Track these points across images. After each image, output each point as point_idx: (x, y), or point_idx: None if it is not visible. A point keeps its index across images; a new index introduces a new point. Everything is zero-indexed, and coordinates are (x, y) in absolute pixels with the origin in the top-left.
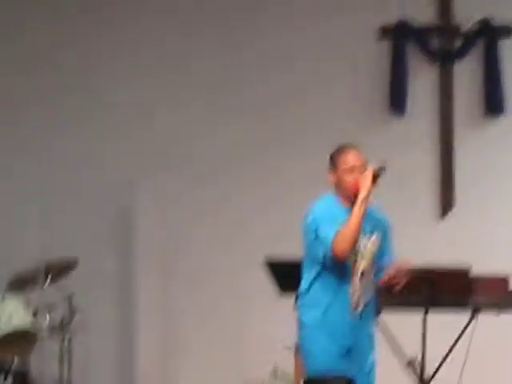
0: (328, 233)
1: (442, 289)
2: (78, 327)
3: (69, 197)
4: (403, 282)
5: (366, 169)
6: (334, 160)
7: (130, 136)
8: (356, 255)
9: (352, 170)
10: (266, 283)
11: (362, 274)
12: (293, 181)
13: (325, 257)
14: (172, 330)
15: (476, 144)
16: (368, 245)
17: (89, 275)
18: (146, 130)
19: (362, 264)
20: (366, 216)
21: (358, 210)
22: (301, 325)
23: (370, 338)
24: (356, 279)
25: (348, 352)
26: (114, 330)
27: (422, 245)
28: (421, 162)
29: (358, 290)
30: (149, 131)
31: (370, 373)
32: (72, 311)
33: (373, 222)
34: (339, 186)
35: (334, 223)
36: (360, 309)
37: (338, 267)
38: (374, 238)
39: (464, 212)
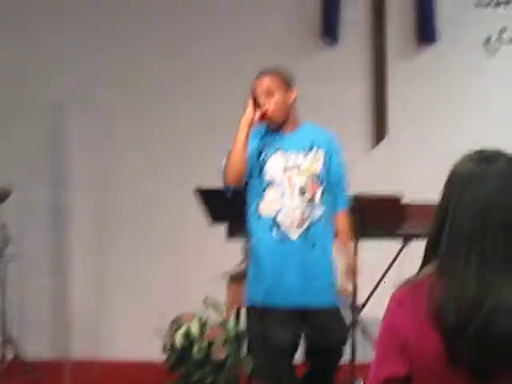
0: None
1: (374, 217)
2: (12, 257)
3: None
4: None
5: (272, 93)
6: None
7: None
8: (290, 172)
9: (259, 96)
10: (197, 211)
11: (301, 191)
12: (226, 104)
13: (224, 183)
14: (106, 258)
15: (409, 72)
16: (304, 161)
17: (22, 204)
18: (77, 51)
19: (299, 180)
20: (303, 133)
21: (236, 136)
22: None
23: (318, 270)
24: (294, 196)
25: (277, 279)
26: (47, 259)
27: (355, 174)
28: (353, 91)
29: (296, 208)
30: (81, 52)
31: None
32: (5, 240)
33: (312, 139)
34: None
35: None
36: (303, 228)
37: (271, 188)
38: (312, 154)
39: (396, 141)
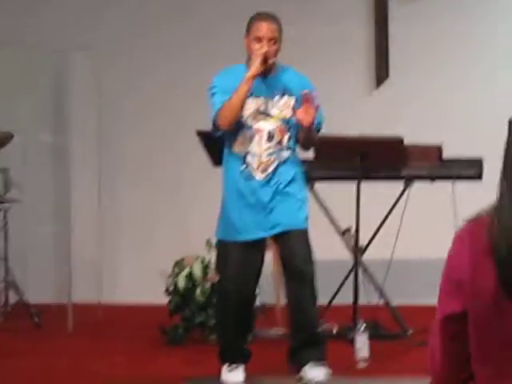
0: (216, 103)
1: (376, 159)
2: (14, 200)
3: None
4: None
5: (276, 42)
6: (248, 25)
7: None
8: (261, 117)
9: (260, 39)
10: (199, 154)
11: (270, 136)
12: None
13: (214, 125)
14: (108, 202)
15: (411, 12)
16: (274, 107)
17: (24, 149)
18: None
19: (268, 126)
20: (276, 78)
21: (241, 87)
22: None
23: (282, 199)
24: (262, 141)
25: (245, 214)
26: (50, 203)
27: (356, 115)
28: (355, 32)
29: (264, 151)
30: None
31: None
32: (7, 185)
33: (284, 85)
34: (249, 53)
35: (228, 92)
36: (268, 171)
37: (241, 131)
38: (283, 100)
39: (398, 82)
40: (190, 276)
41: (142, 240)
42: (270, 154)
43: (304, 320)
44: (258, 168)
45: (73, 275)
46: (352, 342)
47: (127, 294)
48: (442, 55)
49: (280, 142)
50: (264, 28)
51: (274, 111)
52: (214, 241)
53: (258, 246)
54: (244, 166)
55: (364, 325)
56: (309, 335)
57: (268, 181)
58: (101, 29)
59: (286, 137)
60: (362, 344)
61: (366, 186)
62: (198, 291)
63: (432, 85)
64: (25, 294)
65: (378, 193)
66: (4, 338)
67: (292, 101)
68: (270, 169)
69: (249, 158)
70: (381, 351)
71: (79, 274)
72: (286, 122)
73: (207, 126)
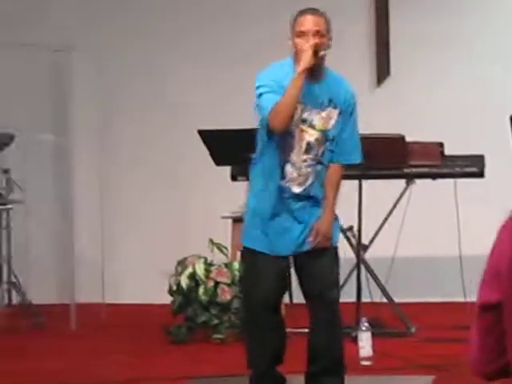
0: (267, 103)
1: (377, 157)
2: (16, 201)
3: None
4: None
5: (322, 35)
6: (292, 22)
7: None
8: (303, 126)
9: (303, 33)
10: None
11: (308, 146)
12: (231, 50)
13: (264, 127)
14: (110, 203)
15: (412, 11)
16: (318, 117)
17: (26, 150)
18: None
19: (308, 136)
20: (324, 86)
21: (293, 83)
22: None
23: (313, 213)
24: (301, 151)
25: (275, 231)
26: (52, 204)
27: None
28: (355, 27)
29: (302, 163)
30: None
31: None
32: (9, 186)
33: (330, 95)
34: (294, 50)
35: (278, 91)
36: (306, 185)
37: (284, 138)
38: (327, 111)
39: (400, 80)
40: (192, 275)
41: (145, 240)
42: (308, 166)
43: (327, 345)
44: (296, 180)
45: (76, 276)
46: (355, 339)
47: (130, 293)
48: (445, 51)
49: (317, 155)
50: (307, 21)
51: (316, 121)
52: (216, 240)
53: (287, 260)
54: (282, 175)
55: (367, 322)
56: (330, 362)
57: (305, 194)
58: (102, 28)
59: (322, 149)
60: (366, 342)
61: (368, 184)
62: (201, 290)
63: (434, 81)
64: (27, 294)
65: (381, 191)
66: (7, 338)
67: (335, 113)
68: (308, 182)
69: (288, 168)
70: (384, 349)
71: (82, 273)
72: (326, 134)
73: (205, 122)
